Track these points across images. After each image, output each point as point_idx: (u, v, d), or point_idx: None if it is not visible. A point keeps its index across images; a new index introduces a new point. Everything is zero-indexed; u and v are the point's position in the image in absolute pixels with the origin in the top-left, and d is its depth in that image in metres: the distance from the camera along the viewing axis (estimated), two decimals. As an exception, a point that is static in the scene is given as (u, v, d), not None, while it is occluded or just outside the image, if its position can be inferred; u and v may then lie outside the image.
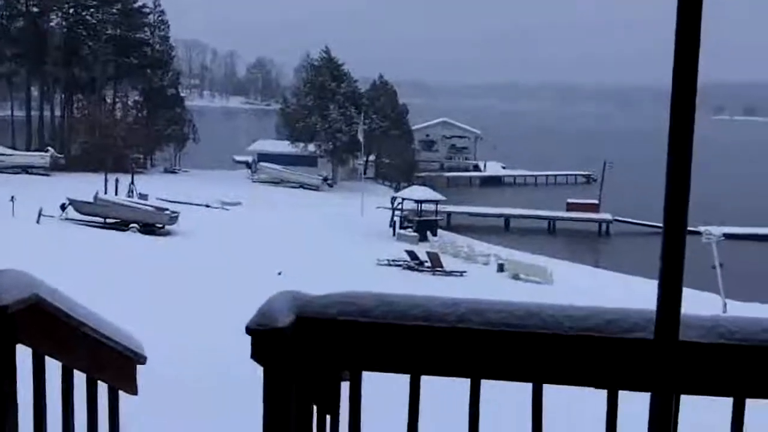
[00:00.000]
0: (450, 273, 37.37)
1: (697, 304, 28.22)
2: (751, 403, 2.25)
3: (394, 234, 48.96)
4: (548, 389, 2.28)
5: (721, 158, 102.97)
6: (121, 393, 3.43)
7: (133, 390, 3.49)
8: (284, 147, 73.14)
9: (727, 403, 2.25)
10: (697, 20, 1.89)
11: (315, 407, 2.47)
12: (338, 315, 2.25)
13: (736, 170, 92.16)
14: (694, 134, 2.00)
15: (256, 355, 2.23)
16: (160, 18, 78.09)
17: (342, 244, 41.17)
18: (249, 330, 2.20)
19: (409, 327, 2.23)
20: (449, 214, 55.91)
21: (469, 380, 2.28)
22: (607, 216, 57.39)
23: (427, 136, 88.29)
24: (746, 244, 47.89)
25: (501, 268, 39.68)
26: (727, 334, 2.17)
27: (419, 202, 50.27)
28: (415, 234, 47.65)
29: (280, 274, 28.55)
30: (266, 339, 2.21)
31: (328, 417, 2.52)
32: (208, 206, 53.03)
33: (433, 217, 50.95)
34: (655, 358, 2.11)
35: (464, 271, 37.96)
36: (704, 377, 2.20)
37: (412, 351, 2.27)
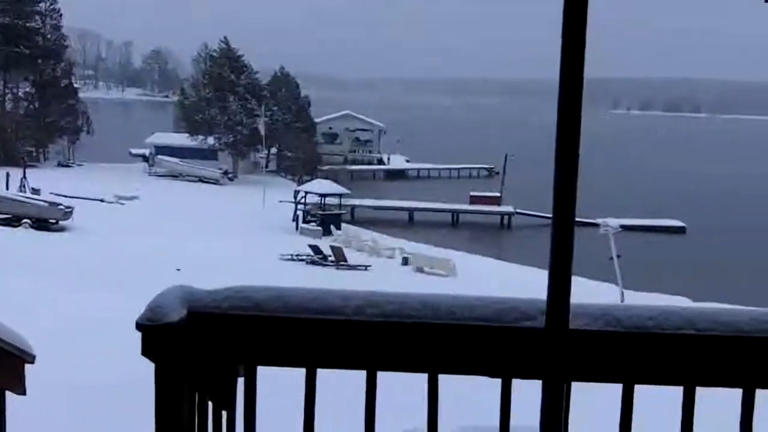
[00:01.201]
0: (354, 267, 37.40)
1: (596, 294, 29.11)
2: (639, 389, 2.32)
3: (297, 228, 48.71)
4: (450, 378, 2.30)
5: (619, 151, 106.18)
6: (8, 393, 3.30)
7: (20, 390, 3.37)
8: (183, 140, 71.79)
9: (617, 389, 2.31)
10: (582, 16, 1.93)
11: (210, 403, 2.43)
12: (230, 309, 2.22)
13: (632, 162, 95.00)
14: (581, 127, 2.05)
15: (146, 352, 2.18)
16: (51, 6, 75.46)
17: (244, 239, 40.72)
18: (139, 326, 2.15)
19: (304, 320, 2.21)
20: (353, 207, 55.97)
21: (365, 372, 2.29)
22: (509, 208, 58.42)
23: (330, 129, 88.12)
24: (643, 235, 49.46)
25: (405, 261, 39.94)
26: (614, 322, 2.23)
27: (322, 195, 50.12)
28: (319, 228, 47.51)
29: (179, 270, 28.07)
30: (157, 335, 2.16)
31: (224, 413, 2.48)
32: (102, 201, 51.65)
33: (337, 211, 50.89)
34: (546, 347, 2.14)
35: (369, 265, 38.06)
36: (594, 364, 2.25)
37: (307, 344, 2.25)
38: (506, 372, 2.27)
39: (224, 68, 72.01)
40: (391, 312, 2.21)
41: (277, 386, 3.33)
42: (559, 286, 2.09)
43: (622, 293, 30.77)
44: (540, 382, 2.15)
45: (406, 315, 2.21)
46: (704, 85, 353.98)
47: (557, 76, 1.98)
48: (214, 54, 74.92)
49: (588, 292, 27.34)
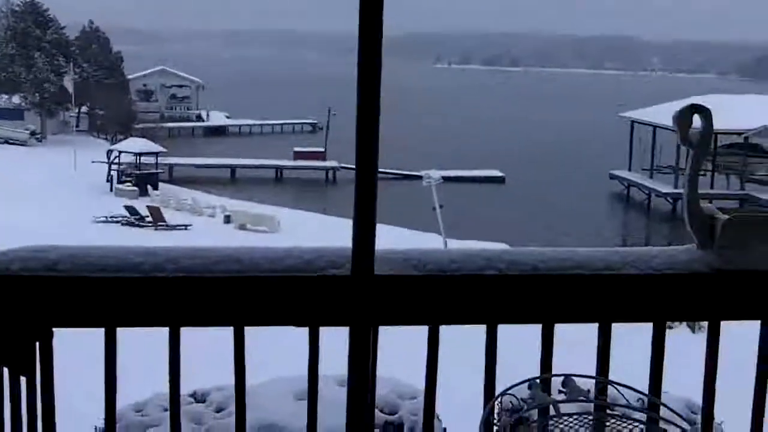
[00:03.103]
0: (174, 227, 36.61)
1: (420, 243, 29.83)
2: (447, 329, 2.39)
3: (111, 189, 47.06)
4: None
5: (439, 104, 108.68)
6: None
7: None
8: (-15, 99, 67.45)
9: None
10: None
11: (6, 369, 2.30)
12: (22, 271, 2.10)
13: (452, 114, 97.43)
14: (380, 79, 2.06)
15: (-70, 320, 2.04)
16: None
17: (54, 202, 38.89)
18: None
19: (101, 279, 2.12)
20: (171, 166, 54.54)
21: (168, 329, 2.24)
22: (334, 163, 58.67)
23: (145, 85, 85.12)
24: (464, 185, 51.01)
25: (228, 219, 39.48)
26: (419, 266, 2.28)
27: (138, 154, 48.56)
28: (135, 188, 46.12)
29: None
30: (-61, 301, 2.02)
31: (23, 379, 2.35)
32: None
33: (154, 170, 49.51)
34: (352, 293, 2.17)
35: (189, 225, 37.36)
36: (400, 308, 2.30)
37: (105, 304, 2.17)
38: (313, 320, 2.28)
39: (28, 23, 67.94)
40: (192, 267, 2.17)
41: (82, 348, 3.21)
42: (364, 234, 2.11)
43: (445, 242, 31.75)
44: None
45: (207, 269, 2.17)
46: (522, 40, 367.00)
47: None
48: (17, 8, 70.51)
49: (412, 243, 27.99)
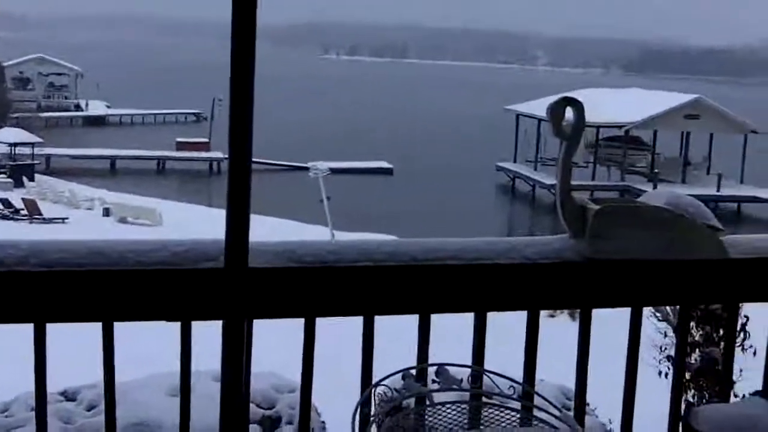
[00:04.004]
0: (50, 220, 35.41)
1: (307, 236, 29.73)
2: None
3: (-16, 182, 45.13)
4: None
5: (325, 95, 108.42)
6: None
7: None
8: None
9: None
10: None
11: None
12: None
13: (339, 106, 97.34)
14: (255, 68, 2.02)
15: None
16: None
17: None
18: None
19: (-43, 274, 2.02)
20: (48, 157, 52.60)
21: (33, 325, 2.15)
22: (219, 154, 57.66)
23: (21, 73, 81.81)
24: (352, 177, 51.06)
25: (107, 212, 38.44)
26: (295, 258, 2.25)
27: (13, 145, 46.77)
28: (10, 180, 44.35)
29: None
30: None
31: None
32: None
33: (30, 161, 47.75)
34: (225, 286, 2.12)
35: (66, 218, 36.19)
36: (275, 301, 2.26)
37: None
38: (185, 315, 2.23)
39: None
40: (57, 261, 2.08)
41: None
42: (238, 226, 2.07)
43: (333, 234, 31.75)
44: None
45: (74, 263, 2.09)
46: (411, 31, 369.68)
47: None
48: None
49: (298, 235, 27.87)
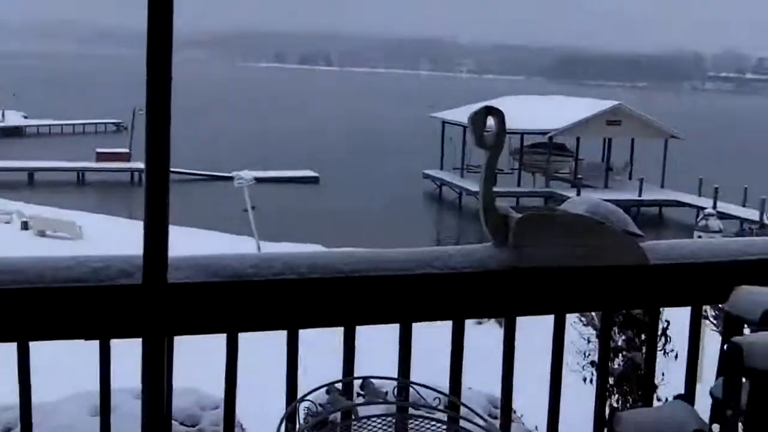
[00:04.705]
0: (-34, 235, 34.32)
1: (233, 247, 29.40)
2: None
3: None
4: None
5: (249, 103, 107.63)
6: None
7: None
8: None
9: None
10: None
11: None
12: None
13: (263, 113, 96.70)
14: (171, 76, 1.97)
15: None
16: None
17: None
18: None
19: None
20: (-37, 170, 51.14)
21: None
22: (140, 165, 56.65)
23: (-69, 84, 79.37)
24: (278, 186, 50.75)
25: (25, 225, 37.42)
26: (215, 272, 2.20)
27: (-75, 157, 45.22)
28: None
29: None
30: None
31: None
32: None
33: (-57, 174, 46.26)
34: (143, 303, 2.07)
35: (-18, 232, 35.13)
36: (196, 316, 2.21)
37: None
38: (103, 333, 2.16)
39: None
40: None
41: None
42: (156, 240, 2.02)
43: (259, 245, 31.48)
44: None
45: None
46: (337, 40, 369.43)
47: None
48: None
49: (223, 247, 27.58)
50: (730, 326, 2.45)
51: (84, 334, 2.16)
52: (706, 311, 9.82)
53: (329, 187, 53.62)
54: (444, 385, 2.39)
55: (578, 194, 38.49)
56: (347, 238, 33.10)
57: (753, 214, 36.91)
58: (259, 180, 38.47)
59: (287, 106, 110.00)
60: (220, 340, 2.32)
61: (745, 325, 2.46)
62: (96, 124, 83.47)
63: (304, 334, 2.34)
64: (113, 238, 33.32)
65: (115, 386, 2.30)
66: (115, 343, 2.22)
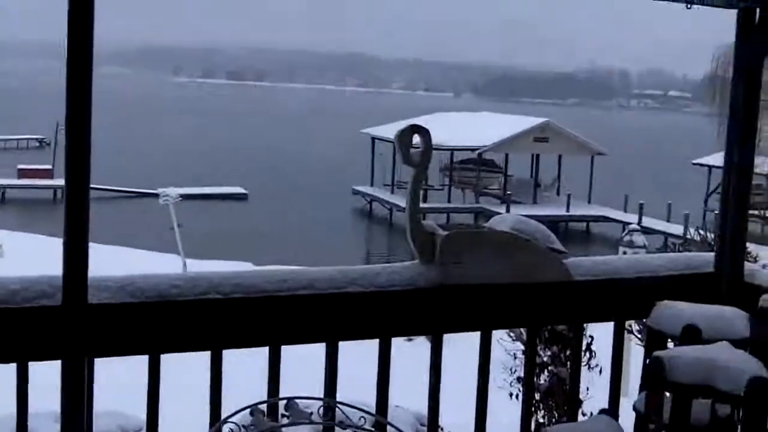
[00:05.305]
0: None
1: (158, 266, 28.88)
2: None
3: None
4: None
5: (176, 118, 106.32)
6: None
7: None
8: None
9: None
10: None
11: None
12: None
13: (191, 129, 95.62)
14: (92, 93, 1.94)
15: None
16: None
17: None
18: None
19: None
20: None
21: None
22: (63, 182, 55.59)
23: None
24: (205, 203, 50.12)
25: (-57, 244, 36.29)
26: (138, 293, 2.16)
27: None
28: None
29: None
30: None
31: None
32: None
33: None
34: (63, 324, 2.02)
35: None
36: (117, 337, 2.16)
37: None
38: (21, 356, 2.10)
39: None
40: None
41: None
42: (76, 261, 1.97)
43: (185, 263, 31.01)
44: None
45: None
46: (265, 55, 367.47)
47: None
48: None
49: (150, 265, 27.08)
50: (652, 341, 2.50)
51: (1, 357, 2.09)
52: (630, 326, 10.00)
53: (258, 204, 53.18)
54: (372, 403, 2.38)
55: (507, 210, 39.01)
56: (276, 254, 32.88)
57: (677, 229, 37.80)
58: (186, 197, 37.95)
59: (216, 121, 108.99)
60: (145, 359, 2.27)
61: (669, 340, 2.51)
62: (18, 140, 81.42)
63: (229, 353, 2.31)
64: (35, 256, 32.41)
65: (33, 410, 2.24)
66: (36, 365, 2.16)
